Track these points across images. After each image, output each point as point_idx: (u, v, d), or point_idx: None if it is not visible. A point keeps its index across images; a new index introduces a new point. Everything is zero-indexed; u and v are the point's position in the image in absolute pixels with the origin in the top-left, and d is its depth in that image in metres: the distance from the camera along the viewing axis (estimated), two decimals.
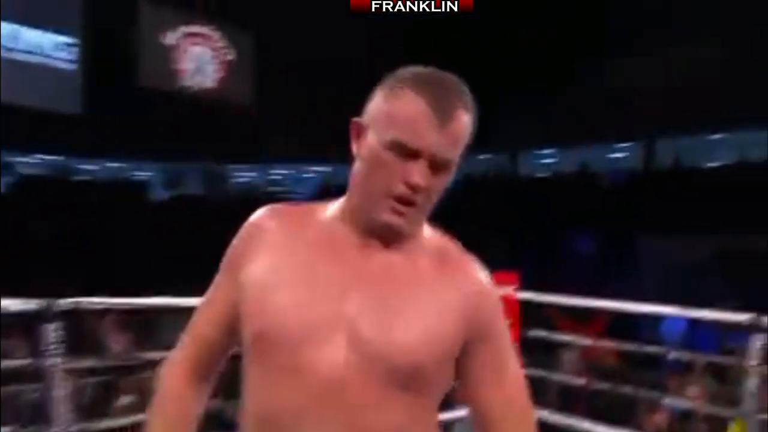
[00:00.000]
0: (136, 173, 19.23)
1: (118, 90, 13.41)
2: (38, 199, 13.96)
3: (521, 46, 13.73)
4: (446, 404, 4.30)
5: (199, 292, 1.31)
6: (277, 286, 1.09)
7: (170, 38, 13.91)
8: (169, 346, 1.29)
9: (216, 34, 14.83)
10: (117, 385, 4.22)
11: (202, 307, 1.22)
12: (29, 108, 11.90)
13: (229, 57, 14.93)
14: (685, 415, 4.22)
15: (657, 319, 7.94)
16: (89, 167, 17.63)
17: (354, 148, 1.11)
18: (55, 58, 12.97)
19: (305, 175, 21.72)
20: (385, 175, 1.06)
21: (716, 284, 9.08)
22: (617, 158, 15.38)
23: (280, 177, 21.74)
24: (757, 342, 3.12)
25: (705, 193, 10.61)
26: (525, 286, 4.32)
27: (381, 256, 1.11)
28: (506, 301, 4.25)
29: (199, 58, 14.50)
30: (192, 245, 12.62)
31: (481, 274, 1.17)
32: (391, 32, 14.21)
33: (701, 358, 4.39)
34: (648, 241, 10.60)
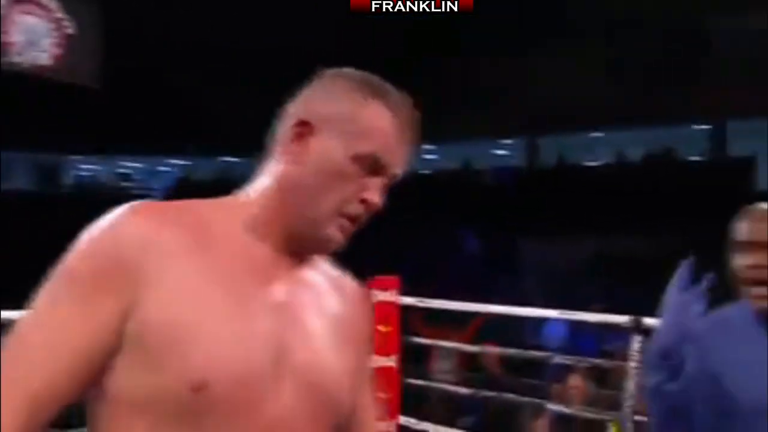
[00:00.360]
0: None
1: None
2: None
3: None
4: None
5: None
6: (205, 322, 0.94)
7: None
8: None
9: (53, 3, 14.14)
10: None
11: (34, 344, 0.92)
12: None
13: (70, 30, 14.23)
14: (567, 420, 4.49)
15: (540, 323, 8.39)
16: None
17: (292, 149, 1.04)
18: None
19: (161, 168, 21.05)
20: (342, 190, 1.02)
21: (593, 286, 9.72)
22: (501, 155, 16.10)
23: (130, 171, 20.93)
24: (636, 344, 3.37)
25: (586, 193, 11.31)
26: (407, 290, 4.44)
27: (304, 277, 1.07)
28: (387, 306, 4.36)
29: (33, 30, 13.73)
30: (20, 247, 11.91)
31: (363, 294, 1.19)
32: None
33: (582, 362, 4.67)
34: (530, 242, 11.20)
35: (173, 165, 20.68)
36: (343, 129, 1.02)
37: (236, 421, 0.94)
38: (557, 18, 12.94)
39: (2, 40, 13.23)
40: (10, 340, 0.92)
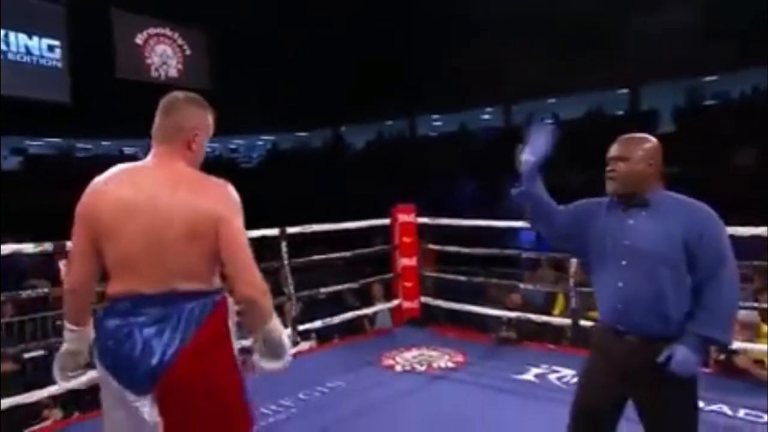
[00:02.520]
0: (125, 149, 18.26)
1: (100, 82, 12.75)
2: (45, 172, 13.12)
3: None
4: (368, 301, 4.41)
5: None
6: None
7: (139, 38, 13.39)
8: None
9: (175, 34, 14.44)
10: None
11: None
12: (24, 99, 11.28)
13: (187, 52, 14.46)
14: (533, 294, 4.57)
15: (516, 232, 8.38)
16: (88, 146, 16.81)
17: (192, 146, 1.52)
18: (44, 57, 12.28)
19: (257, 143, 21.16)
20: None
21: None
22: (486, 119, 15.76)
23: (236, 146, 21.13)
24: None
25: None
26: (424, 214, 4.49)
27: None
28: (408, 225, 4.43)
29: (164, 53, 14.01)
30: None
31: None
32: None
33: (544, 256, 4.71)
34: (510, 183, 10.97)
35: (264, 140, 20.77)
36: (208, 132, 1.58)
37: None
38: None
39: (144, 62, 13.46)
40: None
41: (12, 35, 11.62)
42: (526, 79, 11.89)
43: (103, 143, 16.99)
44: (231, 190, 1.49)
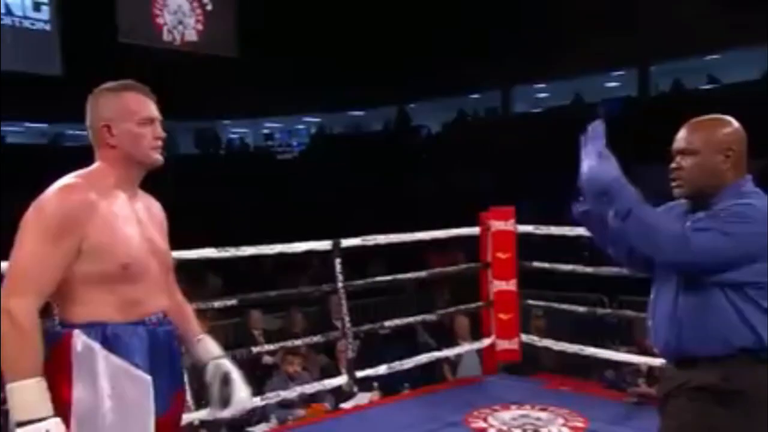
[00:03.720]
0: None
1: (99, 48, 13.34)
2: (27, 169, 13.97)
3: None
4: (449, 339, 4.44)
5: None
6: (120, 234, 1.69)
7: None
8: None
9: None
10: None
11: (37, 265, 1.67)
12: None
13: (209, 7, 14.70)
14: None
15: None
16: (81, 132, 17.58)
17: (118, 135, 1.70)
18: (28, 18, 12.81)
19: (298, 126, 21.61)
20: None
21: None
22: (612, 87, 15.37)
23: (269, 131, 21.62)
24: None
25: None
26: (525, 220, 4.45)
27: (139, 199, 1.80)
28: (504, 234, 4.39)
29: (179, 9, 14.26)
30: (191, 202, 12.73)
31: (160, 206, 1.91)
32: None
33: None
34: (646, 168, 10.65)
35: (307, 122, 21.18)
36: (127, 114, 1.74)
37: (141, 280, 1.68)
38: None
39: (154, 21, 13.95)
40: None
41: None
42: (670, 29, 11.54)
43: None
44: (50, 190, 1.63)
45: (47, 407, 1.51)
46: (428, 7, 14.76)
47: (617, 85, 15.39)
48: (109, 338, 1.60)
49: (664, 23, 12.22)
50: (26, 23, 12.68)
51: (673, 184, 1.83)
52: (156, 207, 1.87)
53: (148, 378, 1.63)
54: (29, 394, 1.50)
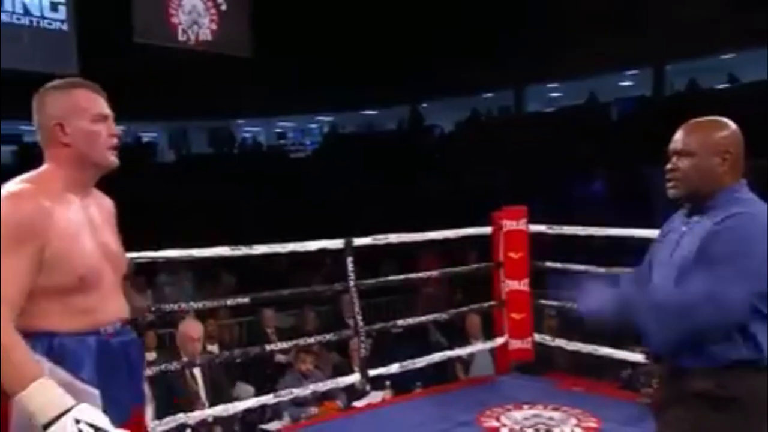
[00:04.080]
0: (143, 134, 19.32)
1: (114, 48, 13.43)
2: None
3: None
4: (461, 338, 4.43)
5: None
6: (78, 245, 1.62)
7: None
8: None
9: None
10: None
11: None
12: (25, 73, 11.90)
13: (223, 7, 14.75)
14: None
15: None
16: None
17: (72, 133, 1.64)
18: (46, 18, 12.94)
19: (310, 125, 21.64)
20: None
21: None
22: (625, 87, 15.26)
23: (282, 130, 21.66)
24: None
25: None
26: (537, 219, 4.43)
27: (92, 201, 1.74)
28: (516, 234, 4.37)
29: (194, 9, 14.33)
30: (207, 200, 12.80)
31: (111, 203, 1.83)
32: None
33: None
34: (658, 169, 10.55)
35: (320, 121, 21.20)
36: (80, 111, 1.68)
37: (96, 288, 1.62)
38: None
39: (169, 21, 14.02)
40: None
41: None
42: (686, 26, 11.45)
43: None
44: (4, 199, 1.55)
45: (63, 401, 1.46)
46: (444, 7, 14.74)
47: (631, 84, 15.29)
48: (55, 349, 1.53)
49: (677, 22, 12.15)
50: (44, 23, 12.80)
51: (669, 184, 1.83)
52: (107, 204, 1.77)
53: (95, 391, 1.54)
54: (38, 398, 1.45)
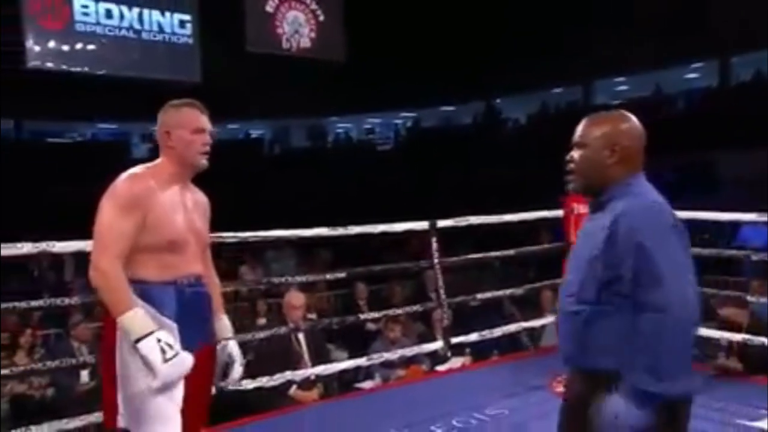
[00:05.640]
0: (252, 131, 19.92)
1: (229, 58, 13.92)
2: None
3: None
4: (532, 311, 4.32)
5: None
6: (169, 217, 1.89)
7: (270, 5, 14.21)
8: None
9: None
10: None
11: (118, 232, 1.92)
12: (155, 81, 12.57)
13: (321, 18, 14.97)
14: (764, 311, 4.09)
15: (735, 228, 7.54)
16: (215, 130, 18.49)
17: (175, 138, 1.92)
18: (176, 34, 13.67)
19: (396, 121, 21.65)
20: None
21: None
22: (691, 79, 14.44)
23: (370, 126, 21.79)
24: None
25: None
26: None
27: (189, 191, 2.00)
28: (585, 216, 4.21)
29: (296, 21, 14.63)
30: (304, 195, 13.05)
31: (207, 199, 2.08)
32: None
33: None
34: (727, 155, 9.88)
35: (404, 117, 21.15)
36: (182, 123, 1.95)
37: (180, 252, 1.88)
38: None
39: (275, 32, 14.38)
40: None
41: (146, 13, 13.13)
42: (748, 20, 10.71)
43: (229, 126, 18.61)
44: (122, 177, 1.86)
45: (150, 324, 1.77)
46: (515, 8, 14.39)
47: (697, 77, 14.44)
48: (146, 292, 1.82)
49: (741, 15, 11.33)
50: (174, 38, 13.53)
51: (567, 177, 1.71)
52: (201, 198, 2.03)
53: (173, 324, 1.83)
54: (133, 320, 1.75)
